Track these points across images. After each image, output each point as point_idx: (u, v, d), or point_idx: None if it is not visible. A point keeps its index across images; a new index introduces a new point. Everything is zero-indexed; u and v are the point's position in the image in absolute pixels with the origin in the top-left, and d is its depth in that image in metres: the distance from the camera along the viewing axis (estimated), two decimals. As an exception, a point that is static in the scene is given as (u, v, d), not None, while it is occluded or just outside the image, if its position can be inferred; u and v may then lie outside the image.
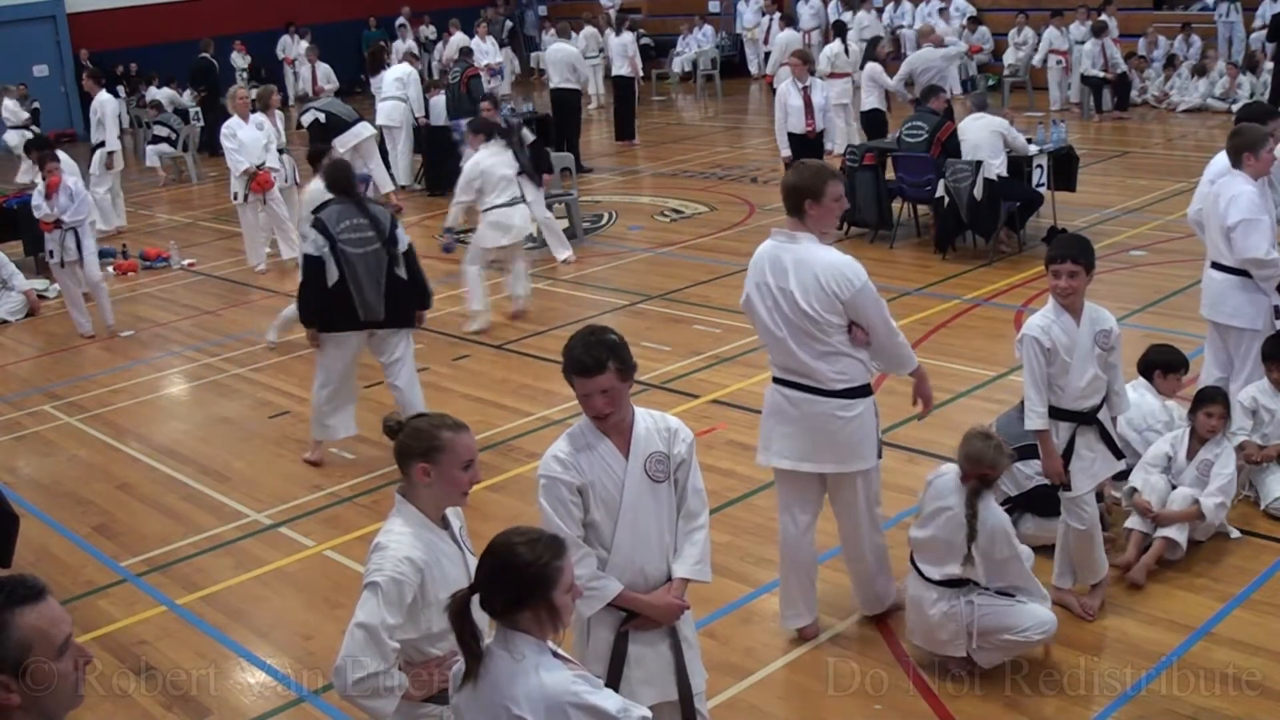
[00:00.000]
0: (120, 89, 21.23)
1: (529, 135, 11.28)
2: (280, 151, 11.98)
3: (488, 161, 9.34)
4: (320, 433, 7.19)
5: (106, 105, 13.88)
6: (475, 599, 2.76)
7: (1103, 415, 4.94)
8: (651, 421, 3.63)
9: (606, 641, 3.62)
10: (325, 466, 7.21)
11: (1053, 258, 4.76)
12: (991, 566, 4.59)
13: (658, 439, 3.60)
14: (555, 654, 2.78)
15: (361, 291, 6.67)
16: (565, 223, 12.38)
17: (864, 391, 4.68)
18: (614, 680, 3.58)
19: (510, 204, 9.37)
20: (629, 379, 3.52)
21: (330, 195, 6.91)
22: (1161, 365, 6.04)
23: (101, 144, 13.80)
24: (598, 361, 3.44)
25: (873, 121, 14.11)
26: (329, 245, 6.59)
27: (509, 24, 22.23)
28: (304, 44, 21.83)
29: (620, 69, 18.41)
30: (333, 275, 6.61)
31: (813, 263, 4.53)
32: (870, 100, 14.23)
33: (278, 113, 12.33)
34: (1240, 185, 5.92)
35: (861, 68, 14.94)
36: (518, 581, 2.70)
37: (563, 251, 11.34)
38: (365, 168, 12.26)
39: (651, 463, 3.58)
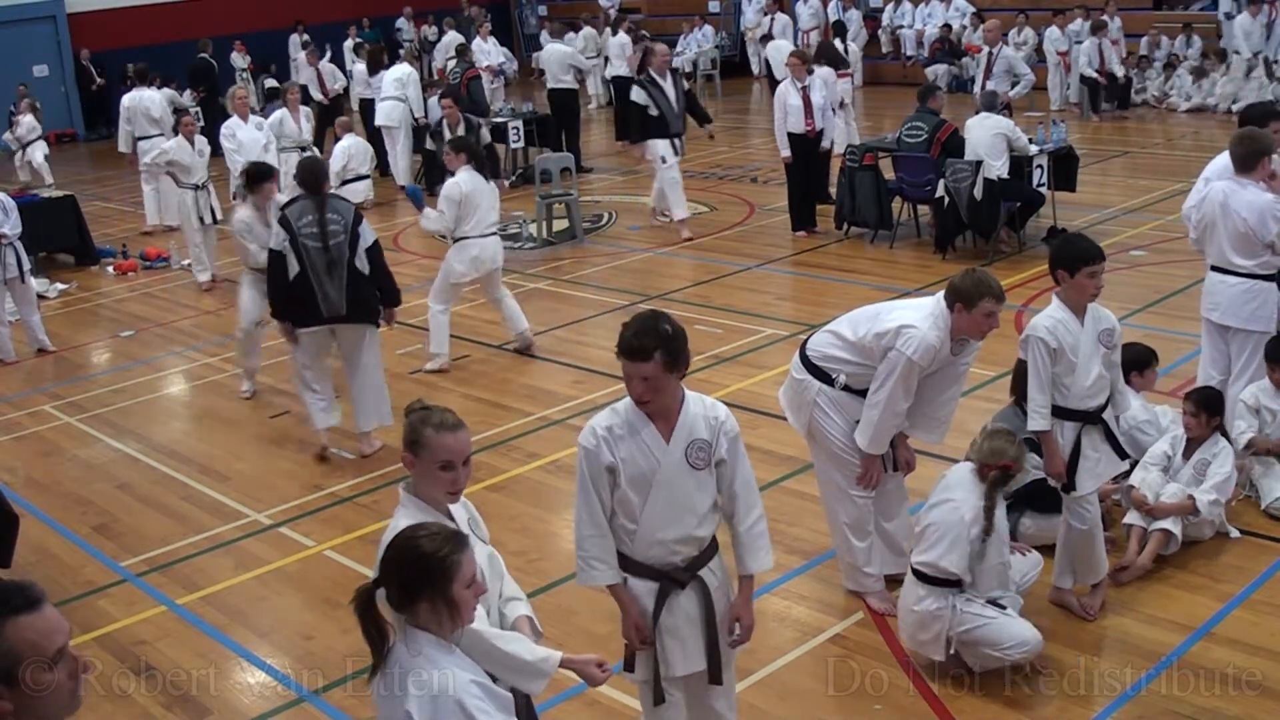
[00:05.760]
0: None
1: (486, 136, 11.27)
2: (302, 150, 11.93)
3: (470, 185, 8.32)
4: (323, 421, 7.23)
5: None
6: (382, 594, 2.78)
7: (1107, 415, 4.93)
8: (701, 408, 3.62)
9: (644, 612, 3.69)
10: (325, 466, 7.22)
11: (1094, 257, 4.74)
12: (980, 570, 4.58)
13: (703, 426, 3.60)
14: (458, 654, 2.79)
15: (323, 286, 6.80)
16: (565, 222, 12.41)
17: (825, 379, 5.09)
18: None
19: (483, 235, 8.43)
20: (677, 370, 3.52)
21: (299, 192, 6.95)
22: (1135, 365, 5.99)
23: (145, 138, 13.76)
24: (644, 349, 3.46)
25: None
26: (289, 239, 6.76)
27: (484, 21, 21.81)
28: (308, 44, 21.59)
29: (618, 69, 18.41)
30: (293, 269, 6.78)
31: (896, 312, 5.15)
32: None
33: (302, 108, 12.20)
34: (1260, 194, 5.80)
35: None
36: (415, 571, 2.73)
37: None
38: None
39: (693, 450, 3.58)
